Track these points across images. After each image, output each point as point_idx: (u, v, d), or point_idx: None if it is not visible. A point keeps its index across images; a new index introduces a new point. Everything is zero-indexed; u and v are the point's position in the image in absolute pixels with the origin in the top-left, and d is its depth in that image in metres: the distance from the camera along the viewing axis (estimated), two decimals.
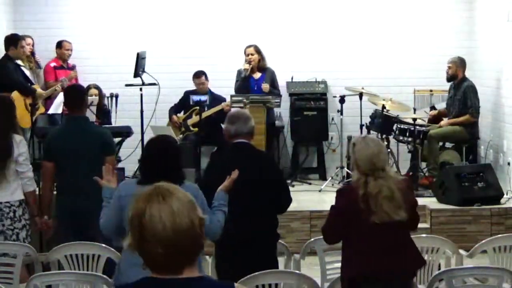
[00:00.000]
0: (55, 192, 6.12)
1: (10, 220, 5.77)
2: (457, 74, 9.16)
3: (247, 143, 4.96)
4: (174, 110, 9.78)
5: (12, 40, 8.59)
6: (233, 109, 5.24)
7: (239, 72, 9.53)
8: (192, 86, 9.70)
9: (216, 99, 9.52)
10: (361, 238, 4.33)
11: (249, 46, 9.52)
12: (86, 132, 6.01)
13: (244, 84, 9.36)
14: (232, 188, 4.49)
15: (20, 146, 5.78)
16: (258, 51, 9.49)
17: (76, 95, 6.17)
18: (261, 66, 9.50)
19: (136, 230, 2.18)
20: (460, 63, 9.17)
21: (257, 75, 9.51)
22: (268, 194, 4.86)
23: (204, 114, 9.22)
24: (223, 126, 5.01)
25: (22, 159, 5.78)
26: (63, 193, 5.96)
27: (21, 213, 5.83)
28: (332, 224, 4.49)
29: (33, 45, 9.53)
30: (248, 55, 9.46)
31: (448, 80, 9.27)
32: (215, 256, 5.01)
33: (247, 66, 9.37)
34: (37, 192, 6.29)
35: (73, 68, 9.75)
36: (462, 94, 9.04)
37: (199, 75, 9.62)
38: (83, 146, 5.89)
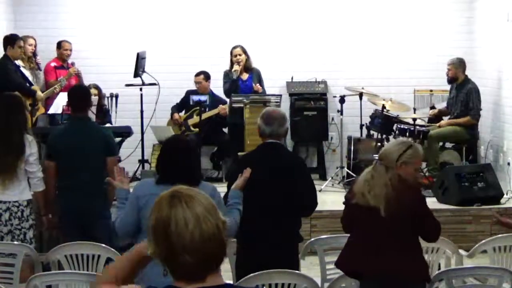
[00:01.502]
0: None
1: (18, 220, 5.80)
2: (457, 76, 9.15)
3: (278, 143, 5.01)
4: (176, 108, 9.78)
5: (10, 40, 8.60)
6: (269, 108, 5.26)
7: (226, 73, 9.52)
8: (193, 86, 9.70)
9: (216, 101, 9.52)
10: (353, 230, 4.52)
11: (236, 47, 9.52)
12: (90, 132, 6.01)
13: (234, 85, 9.37)
14: (246, 186, 4.58)
15: (32, 145, 5.81)
16: (244, 51, 9.51)
17: (80, 95, 6.17)
18: (247, 66, 9.52)
19: (162, 238, 2.11)
20: (459, 65, 9.15)
21: (245, 75, 9.53)
22: (295, 195, 4.89)
23: (204, 116, 9.22)
24: (259, 124, 5.03)
25: (32, 159, 5.81)
26: (65, 193, 5.96)
27: (29, 213, 5.85)
28: (343, 213, 4.68)
29: (35, 46, 9.53)
30: (235, 55, 9.46)
31: (449, 82, 9.27)
32: (236, 255, 5.04)
33: (237, 67, 9.38)
34: None
35: (72, 65, 9.74)
36: (465, 96, 9.02)
37: (197, 74, 9.63)
38: (86, 146, 5.89)
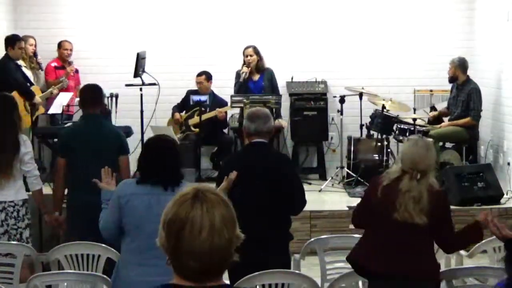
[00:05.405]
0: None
1: (14, 220, 5.79)
2: (456, 75, 9.11)
3: (265, 143, 4.99)
4: (177, 108, 9.77)
5: (11, 41, 8.61)
6: (253, 108, 5.26)
7: (238, 73, 9.52)
8: (194, 86, 9.70)
9: (217, 101, 9.50)
10: (379, 232, 4.40)
11: (248, 47, 9.50)
12: (103, 130, 6.01)
13: (244, 87, 9.36)
14: (234, 188, 4.55)
15: (26, 145, 5.81)
16: (256, 52, 9.47)
17: (91, 92, 6.15)
18: (259, 66, 9.49)
19: (173, 236, 2.09)
20: (458, 64, 9.10)
21: (256, 76, 9.51)
22: (283, 195, 4.87)
23: (204, 117, 9.21)
24: (245, 124, 5.03)
25: (28, 158, 5.80)
26: (76, 190, 5.93)
27: (24, 213, 5.85)
28: (358, 208, 4.64)
29: (35, 46, 9.54)
30: (247, 56, 9.44)
31: (449, 81, 9.26)
32: None
33: (245, 69, 9.36)
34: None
35: (70, 64, 9.74)
36: (466, 96, 9.00)
37: (199, 75, 9.60)
38: (98, 143, 5.88)
